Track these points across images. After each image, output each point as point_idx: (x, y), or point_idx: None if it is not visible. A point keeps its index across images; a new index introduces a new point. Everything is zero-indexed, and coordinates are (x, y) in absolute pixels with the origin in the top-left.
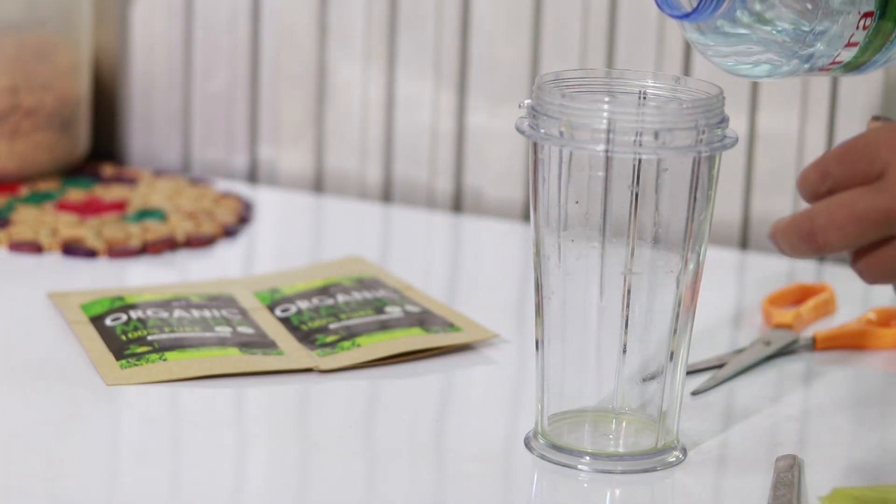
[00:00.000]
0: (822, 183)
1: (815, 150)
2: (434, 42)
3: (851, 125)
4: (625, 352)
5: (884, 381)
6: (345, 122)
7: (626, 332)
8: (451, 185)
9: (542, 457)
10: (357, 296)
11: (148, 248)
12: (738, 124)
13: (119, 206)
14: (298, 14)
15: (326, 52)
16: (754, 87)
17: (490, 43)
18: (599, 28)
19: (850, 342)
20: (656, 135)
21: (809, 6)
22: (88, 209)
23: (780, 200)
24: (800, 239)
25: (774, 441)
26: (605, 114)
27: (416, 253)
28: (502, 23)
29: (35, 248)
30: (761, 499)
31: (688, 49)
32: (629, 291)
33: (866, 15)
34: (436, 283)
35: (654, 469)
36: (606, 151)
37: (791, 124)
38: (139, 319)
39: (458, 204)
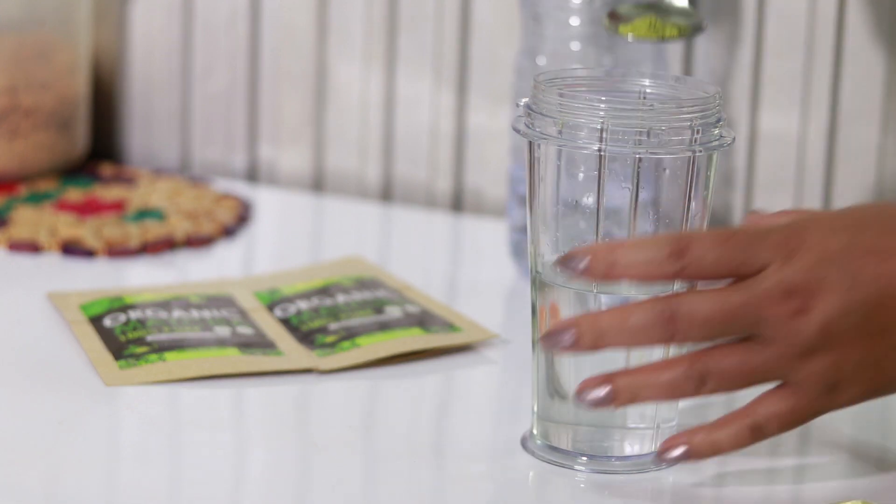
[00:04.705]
0: (679, 257)
1: (816, 150)
2: (434, 42)
3: (852, 125)
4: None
5: None
6: (345, 122)
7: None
8: (451, 185)
9: (539, 457)
10: (357, 296)
11: (147, 248)
12: (738, 124)
13: (118, 206)
14: (298, 14)
15: (326, 52)
16: (755, 87)
17: (490, 43)
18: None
19: None
20: (648, 134)
21: None
22: (87, 209)
23: (780, 200)
24: (656, 320)
25: (774, 441)
26: (601, 113)
27: (415, 253)
28: (502, 23)
29: (34, 247)
30: (761, 499)
31: (688, 49)
32: None
33: None
34: (436, 283)
35: (651, 469)
36: (601, 150)
37: (791, 124)
38: (138, 320)
39: (457, 204)
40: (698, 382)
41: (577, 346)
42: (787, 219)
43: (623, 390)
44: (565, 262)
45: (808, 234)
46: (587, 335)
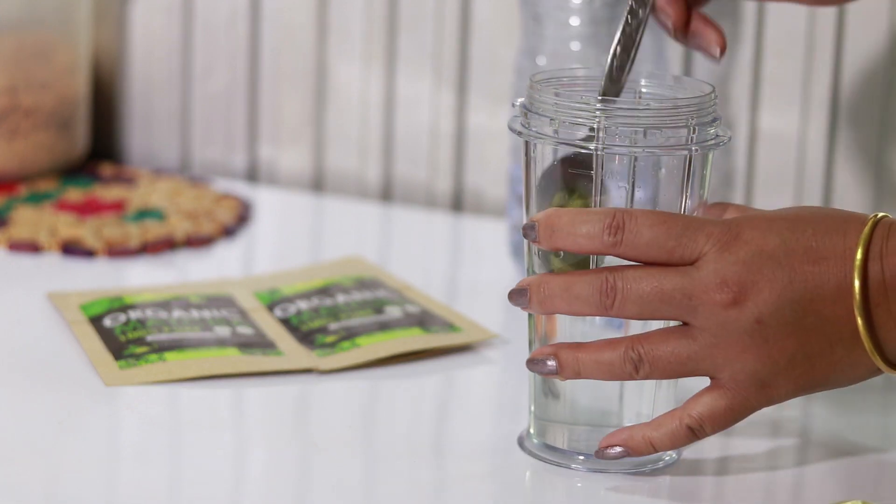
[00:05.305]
0: (615, 231)
1: (816, 150)
2: (434, 42)
3: (852, 125)
4: None
5: (884, 381)
6: (345, 122)
7: (623, 332)
8: (451, 185)
9: (536, 457)
10: (357, 296)
11: (147, 248)
12: (738, 124)
13: (118, 206)
14: (298, 14)
15: (326, 52)
16: (755, 87)
17: (490, 43)
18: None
19: None
20: (645, 133)
21: None
22: (87, 209)
23: (780, 200)
24: (595, 290)
25: (774, 441)
26: (597, 112)
27: (415, 253)
28: (502, 23)
29: (34, 248)
30: (759, 499)
31: (688, 49)
32: None
33: None
34: (436, 283)
35: (647, 469)
36: (597, 150)
37: (791, 124)
38: (138, 320)
39: (458, 204)
40: (634, 366)
41: (530, 307)
42: (735, 213)
43: (567, 365)
44: (525, 229)
45: (744, 228)
46: (535, 297)
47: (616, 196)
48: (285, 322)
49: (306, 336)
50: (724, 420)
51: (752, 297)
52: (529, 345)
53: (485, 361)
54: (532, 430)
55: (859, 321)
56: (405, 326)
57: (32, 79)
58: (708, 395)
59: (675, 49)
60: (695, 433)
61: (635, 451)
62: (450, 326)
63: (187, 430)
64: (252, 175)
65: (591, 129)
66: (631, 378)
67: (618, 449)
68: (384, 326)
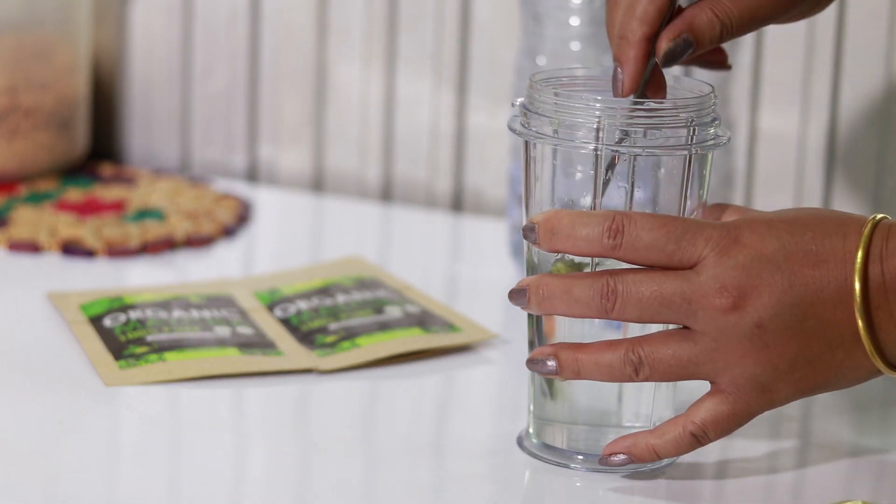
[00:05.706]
0: (614, 234)
1: (816, 149)
2: (434, 42)
3: (852, 125)
4: None
5: (884, 381)
6: (345, 122)
7: (622, 333)
8: (451, 185)
9: (536, 456)
10: (357, 296)
11: (147, 248)
12: (738, 124)
13: (118, 206)
14: (298, 14)
15: (326, 52)
16: (755, 87)
17: (490, 43)
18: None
19: None
20: (645, 133)
21: None
22: (87, 209)
23: (780, 200)
24: (596, 293)
25: (775, 440)
26: (597, 112)
27: (415, 253)
28: (502, 23)
29: (34, 247)
30: (759, 499)
31: None
32: None
33: None
34: (436, 283)
35: (646, 468)
36: (596, 150)
37: (791, 124)
38: (138, 320)
39: (457, 204)
40: (634, 368)
41: (529, 307)
42: (735, 214)
43: (567, 365)
44: (525, 231)
45: (743, 232)
46: (534, 297)
47: (616, 196)
48: (285, 322)
49: (306, 336)
50: (727, 425)
51: (752, 302)
52: (529, 345)
53: (485, 361)
54: (531, 430)
55: (860, 323)
56: (405, 326)
57: (32, 79)
58: (710, 401)
59: None
60: (698, 440)
61: (639, 459)
62: (450, 326)
63: (187, 430)
64: (252, 175)
65: (624, 133)
66: (630, 380)
67: (621, 456)
68: (384, 326)
